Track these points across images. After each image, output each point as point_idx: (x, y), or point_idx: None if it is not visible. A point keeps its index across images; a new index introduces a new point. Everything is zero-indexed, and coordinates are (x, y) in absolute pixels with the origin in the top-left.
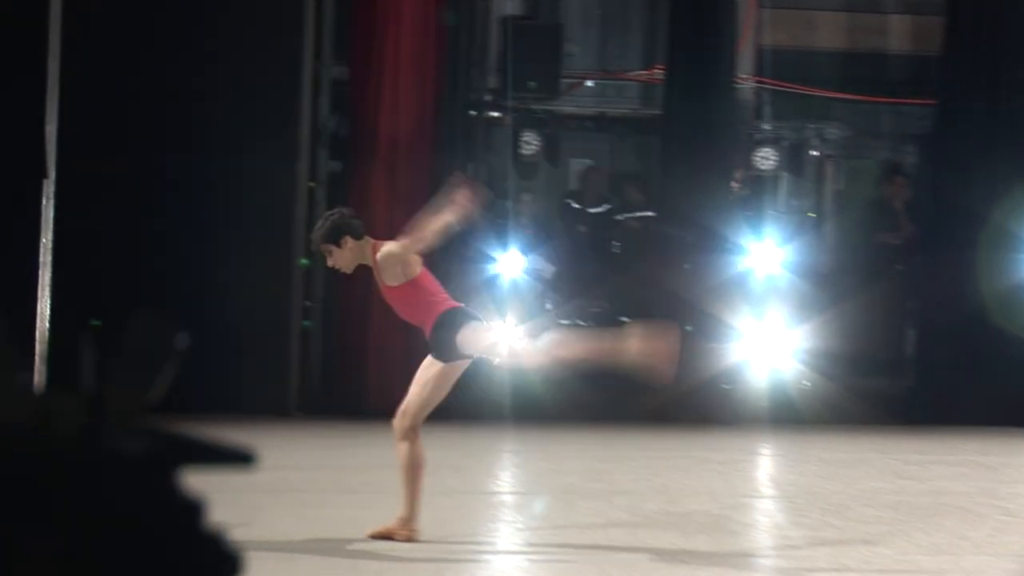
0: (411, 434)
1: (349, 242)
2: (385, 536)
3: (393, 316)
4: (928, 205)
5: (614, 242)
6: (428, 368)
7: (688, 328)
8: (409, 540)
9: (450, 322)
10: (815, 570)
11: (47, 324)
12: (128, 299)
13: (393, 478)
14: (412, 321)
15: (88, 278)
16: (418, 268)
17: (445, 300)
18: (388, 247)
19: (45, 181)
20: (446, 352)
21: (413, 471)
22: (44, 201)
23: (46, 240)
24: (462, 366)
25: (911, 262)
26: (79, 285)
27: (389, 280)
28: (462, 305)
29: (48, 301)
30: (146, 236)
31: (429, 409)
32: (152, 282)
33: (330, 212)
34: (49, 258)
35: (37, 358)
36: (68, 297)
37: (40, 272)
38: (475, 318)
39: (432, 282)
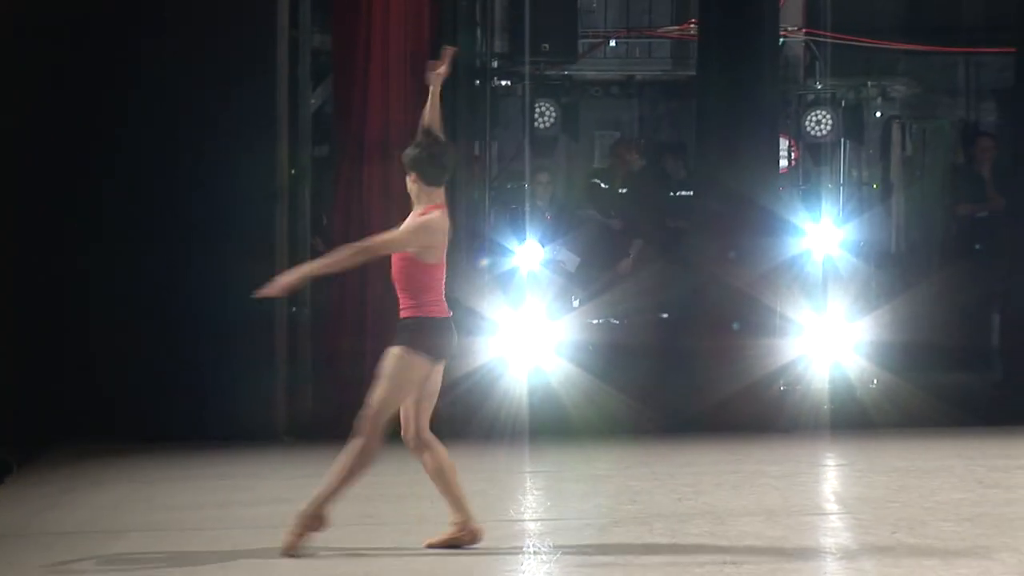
0: (416, 442)
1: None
2: (450, 544)
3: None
4: (1012, 170)
5: (649, 226)
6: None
7: (735, 325)
8: (474, 541)
9: (401, 328)
10: None
11: None
12: (84, 311)
13: (397, 508)
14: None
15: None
16: (435, 258)
17: (426, 305)
18: (428, 217)
19: None
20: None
21: (441, 477)
22: None
23: None
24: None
25: (997, 238)
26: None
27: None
28: (424, 322)
29: None
30: (105, 233)
31: (387, 410)
32: (105, 290)
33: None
34: None
35: None
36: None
37: None
38: (413, 344)
39: (437, 281)
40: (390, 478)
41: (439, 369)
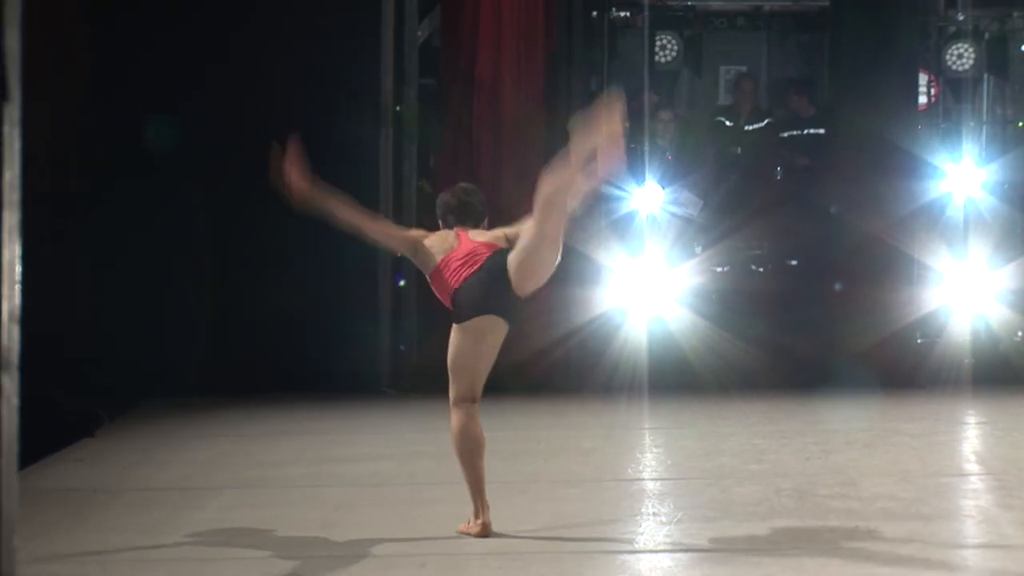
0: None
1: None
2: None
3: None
4: None
5: (777, 168)
6: None
7: (837, 286)
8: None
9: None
10: None
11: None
12: (180, 263)
13: (501, 467)
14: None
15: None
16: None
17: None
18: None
19: (6, 104)
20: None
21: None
22: (7, 128)
23: (10, 176)
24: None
25: None
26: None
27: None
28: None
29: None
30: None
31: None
32: (202, 241)
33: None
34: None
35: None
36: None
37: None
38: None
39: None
40: (497, 434)
41: None
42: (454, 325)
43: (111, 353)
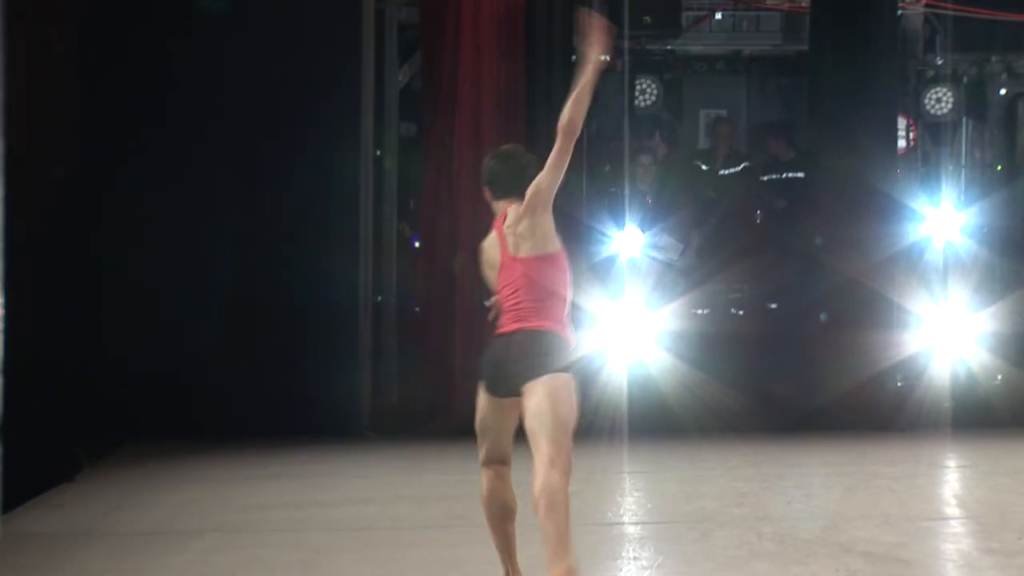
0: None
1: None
2: None
3: (482, 311)
4: None
5: (756, 211)
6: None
7: (822, 316)
8: None
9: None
10: None
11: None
12: (160, 304)
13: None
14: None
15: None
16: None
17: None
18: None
19: None
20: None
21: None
22: None
23: None
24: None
25: None
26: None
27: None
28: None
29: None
30: (182, 224)
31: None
32: (180, 281)
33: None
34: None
35: None
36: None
37: None
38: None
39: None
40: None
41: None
42: (568, 374)
43: (92, 393)
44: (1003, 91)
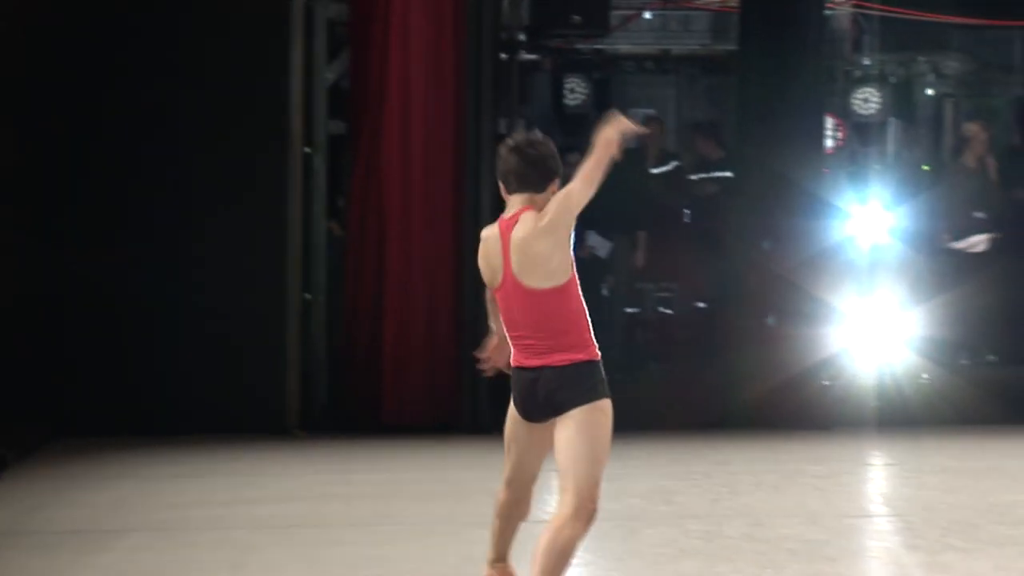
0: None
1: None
2: None
3: (412, 310)
4: None
5: (684, 209)
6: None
7: (770, 320)
8: None
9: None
10: None
11: None
12: (86, 300)
13: (411, 509)
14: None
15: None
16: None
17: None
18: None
19: None
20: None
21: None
22: None
23: None
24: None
25: None
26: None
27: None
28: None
29: None
30: (108, 223)
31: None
32: (109, 278)
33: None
34: None
35: None
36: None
37: None
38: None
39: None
40: (408, 475)
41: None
42: (603, 399)
43: (16, 391)
44: (930, 91)
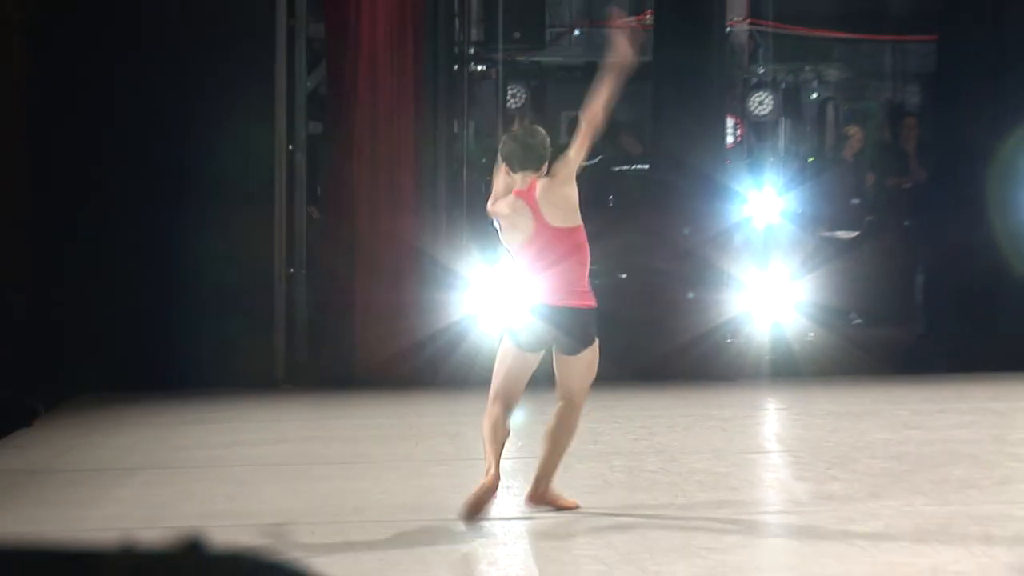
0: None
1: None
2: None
3: (379, 281)
4: (934, 147)
5: (608, 196)
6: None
7: (690, 295)
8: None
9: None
10: (821, 525)
11: None
12: (105, 274)
13: (379, 449)
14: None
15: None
16: (508, 240)
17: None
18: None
19: None
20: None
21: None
22: None
23: None
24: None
25: (920, 206)
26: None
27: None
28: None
29: None
30: (116, 206)
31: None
32: (124, 255)
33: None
34: None
35: None
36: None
37: None
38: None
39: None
40: (377, 420)
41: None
42: (597, 342)
43: (44, 354)
44: (814, 95)
